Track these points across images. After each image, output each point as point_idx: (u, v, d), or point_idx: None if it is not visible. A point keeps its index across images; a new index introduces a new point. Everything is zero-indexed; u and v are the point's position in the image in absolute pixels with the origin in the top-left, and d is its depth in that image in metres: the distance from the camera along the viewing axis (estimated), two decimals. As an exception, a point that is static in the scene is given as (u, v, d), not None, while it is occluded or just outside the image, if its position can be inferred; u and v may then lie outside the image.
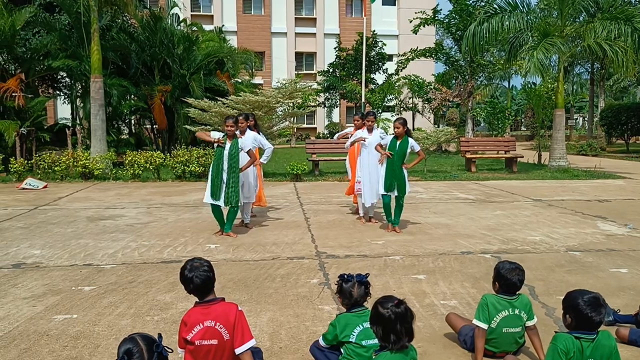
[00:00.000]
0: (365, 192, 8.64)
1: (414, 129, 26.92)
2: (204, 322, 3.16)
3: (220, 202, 7.53)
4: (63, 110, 33.18)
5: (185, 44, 20.31)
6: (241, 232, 8.03)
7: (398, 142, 7.89)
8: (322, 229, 8.39)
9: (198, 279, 3.22)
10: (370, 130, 8.71)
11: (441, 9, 26.93)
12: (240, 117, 8.33)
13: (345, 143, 9.50)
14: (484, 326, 3.69)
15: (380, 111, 31.35)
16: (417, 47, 28.02)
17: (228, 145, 7.46)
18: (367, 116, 8.87)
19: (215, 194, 7.48)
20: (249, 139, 8.15)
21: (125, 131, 24.04)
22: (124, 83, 18.80)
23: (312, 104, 34.51)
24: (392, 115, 31.93)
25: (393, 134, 8.06)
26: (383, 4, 42.20)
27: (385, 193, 8.03)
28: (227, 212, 7.77)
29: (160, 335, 2.70)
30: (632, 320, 4.36)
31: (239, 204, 7.70)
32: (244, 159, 7.78)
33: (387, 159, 7.89)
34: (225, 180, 7.46)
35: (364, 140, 8.64)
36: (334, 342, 3.49)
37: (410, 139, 7.98)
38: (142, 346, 2.57)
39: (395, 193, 7.99)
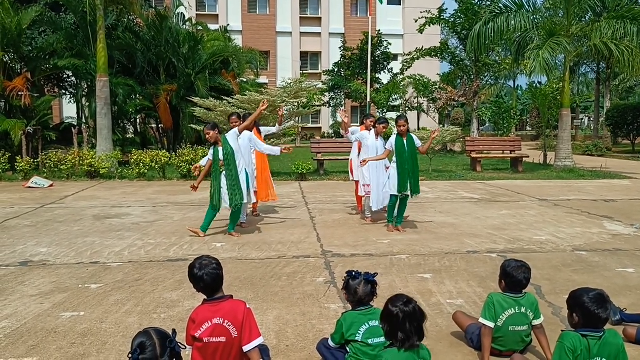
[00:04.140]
0: (374, 196, 8.60)
1: (419, 129, 26.92)
2: (212, 320, 3.16)
3: (224, 205, 7.54)
4: (69, 110, 33.31)
5: (191, 44, 20.35)
6: (247, 232, 8.04)
7: (405, 141, 7.86)
8: (327, 228, 8.40)
9: (208, 277, 3.23)
10: (377, 135, 8.64)
11: (447, 9, 26.93)
12: (233, 117, 8.39)
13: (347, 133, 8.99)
14: (491, 324, 3.69)
15: (385, 111, 31.32)
16: (423, 47, 27.98)
17: (220, 149, 7.46)
18: (381, 122, 8.64)
19: (216, 203, 7.51)
20: (245, 139, 8.13)
21: (131, 130, 24.11)
22: (129, 82, 18.85)
23: (317, 103, 34.50)
24: (397, 115, 31.90)
25: (396, 133, 8.00)
26: (388, 4, 42.13)
27: (397, 194, 7.97)
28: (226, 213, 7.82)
29: (174, 331, 2.71)
30: (639, 320, 4.34)
31: (244, 201, 7.72)
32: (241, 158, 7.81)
33: (399, 159, 7.83)
34: (224, 185, 7.47)
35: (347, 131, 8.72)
36: (342, 341, 3.49)
37: (413, 135, 8.00)
38: (155, 340, 2.58)
39: (407, 192, 7.95)
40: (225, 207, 7.59)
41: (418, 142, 8.01)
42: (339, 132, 38.90)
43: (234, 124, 8.20)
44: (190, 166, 14.29)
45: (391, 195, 8.06)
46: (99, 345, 4.01)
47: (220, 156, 7.45)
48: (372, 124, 8.82)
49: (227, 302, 3.26)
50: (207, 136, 7.46)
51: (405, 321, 2.90)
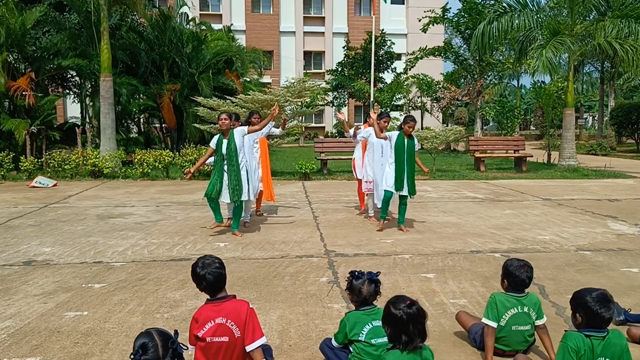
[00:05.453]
0: (376, 194, 8.58)
1: (422, 128, 26.88)
2: (215, 319, 3.16)
3: (226, 199, 7.55)
4: (73, 109, 33.35)
5: (194, 43, 20.35)
6: (250, 231, 8.05)
7: (406, 141, 7.86)
8: (330, 227, 8.39)
9: (210, 276, 3.23)
10: (381, 130, 8.58)
11: (450, 8, 26.85)
12: (232, 119, 8.36)
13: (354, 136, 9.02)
14: (493, 324, 3.68)
15: (388, 110, 31.28)
16: (426, 46, 27.94)
17: (225, 142, 7.46)
18: (383, 116, 8.44)
19: (213, 192, 7.50)
20: (246, 136, 8.09)
21: (135, 130, 24.12)
22: (133, 82, 18.86)
23: (321, 103, 34.48)
24: (401, 115, 31.83)
25: (399, 130, 7.98)
26: (392, 3, 41.96)
27: (392, 190, 7.96)
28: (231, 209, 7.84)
29: (176, 332, 2.71)
30: (644, 320, 4.33)
31: (244, 198, 7.68)
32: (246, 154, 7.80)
33: (396, 157, 7.84)
34: (226, 180, 7.47)
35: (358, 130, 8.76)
36: (345, 341, 3.48)
37: (414, 136, 8.02)
38: (157, 341, 2.58)
39: (404, 192, 7.95)
40: (226, 202, 7.63)
41: (417, 146, 8.06)
42: (342, 132, 38.88)
43: (224, 121, 7.74)
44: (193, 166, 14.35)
45: (385, 191, 8.05)
46: (102, 345, 4.01)
47: (224, 150, 7.44)
48: (386, 123, 8.63)
49: (230, 301, 3.26)
50: (225, 122, 7.39)
51: (408, 323, 2.86)
